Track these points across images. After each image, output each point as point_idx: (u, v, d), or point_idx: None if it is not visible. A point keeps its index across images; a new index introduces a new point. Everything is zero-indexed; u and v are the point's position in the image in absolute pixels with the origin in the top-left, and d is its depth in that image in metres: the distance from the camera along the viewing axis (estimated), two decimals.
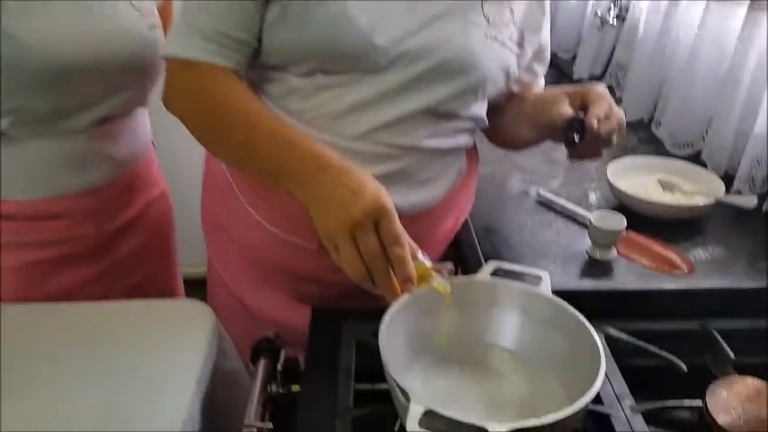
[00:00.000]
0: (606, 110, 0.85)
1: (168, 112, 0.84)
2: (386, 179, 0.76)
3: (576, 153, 0.90)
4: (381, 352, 0.68)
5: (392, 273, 0.72)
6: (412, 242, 0.73)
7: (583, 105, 0.87)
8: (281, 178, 0.78)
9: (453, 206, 0.99)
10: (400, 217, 0.73)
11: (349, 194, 0.71)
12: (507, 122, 0.99)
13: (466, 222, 1.09)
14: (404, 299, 0.75)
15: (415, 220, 0.78)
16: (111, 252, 1.11)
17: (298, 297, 0.98)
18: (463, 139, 0.94)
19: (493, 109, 0.97)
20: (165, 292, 1.24)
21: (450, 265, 0.76)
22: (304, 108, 0.85)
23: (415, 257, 0.73)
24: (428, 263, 0.75)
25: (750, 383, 0.75)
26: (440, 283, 0.75)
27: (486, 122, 0.95)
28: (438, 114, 0.87)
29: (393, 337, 0.72)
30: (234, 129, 0.81)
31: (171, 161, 1.36)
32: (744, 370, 0.80)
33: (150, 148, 1.19)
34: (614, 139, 0.86)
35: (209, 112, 0.82)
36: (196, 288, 1.18)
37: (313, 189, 0.74)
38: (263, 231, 0.92)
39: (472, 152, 1.02)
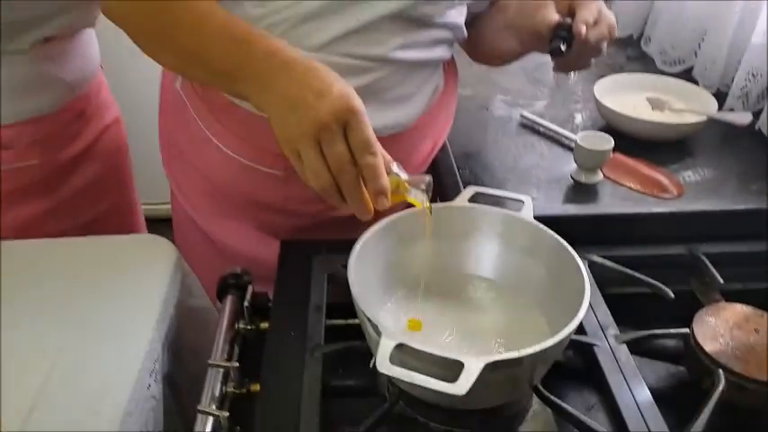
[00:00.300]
0: (595, 14, 0.78)
1: (112, 22, 0.75)
2: None
3: (563, 64, 0.84)
4: (350, 283, 0.63)
5: (363, 186, 0.64)
6: (385, 153, 0.66)
7: (570, 10, 0.80)
8: (236, 81, 0.68)
9: (430, 128, 0.93)
10: None
11: (313, 95, 0.62)
12: (489, 33, 0.92)
13: (444, 146, 1.03)
14: (376, 227, 0.71)
15: (389, 143, 0.72)
16: (64, 185, 1.05)
17: (266, 229, 0.93)
18: (440, 52, 0.86)
19: (473, 19, 0.90)
20: (125, 228, 1.19)
21: (428, 178, 0.69)
22: (259, 14, 0.76)
23: (389, 170, 0.66)
24: (404, 175, 0.68)
25: (738, 310, 0.72)
26: (417, 197, 0.69)
27: (465, 33, 0.88)
28: (411, 21, 0.79)
29: (364, 267, 0.68)
30: (179, 25, 0.71)
31: (122, 90, 1.29)
32: (732, 296, 0.77)
33: (100, 72, 1.12)
34: (604, 47, 0.80)
35: (151, 10, 0.72)
36: (162, 227, 1.12)
37: (272, 90, 0.65)
38: (225, 158, 0.86)
39: (450, 68, 0.95)
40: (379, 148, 0.64)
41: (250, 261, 0.88)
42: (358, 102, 0.63)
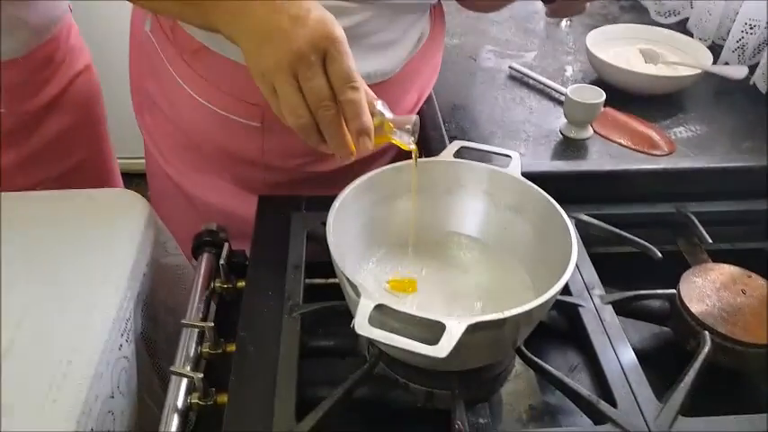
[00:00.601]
0: None
1: None
2: None
3: (556, 9, 0.80)
4: (329, 241, 0.60)
5: (344, 124, 0.59)
6: (368, 89, 0.61)
7: None
8: (207, 10, 0.62)
9: (415, 78, 0.89)
10: None
11: (289, 21, 0.56)
12: None
13: (430, 98, 1.00)
14: (357, 183, 0.68)
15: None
16: (34, 136, 1.00)
17: (243, 184, 0.90)
18: None
19: None
20: (100, 182, 1.15)
21: (414, 118, 0.64)
22: None
23: (372, 108, 0.61)
24: (388, 114, 0.63)
25: (726, 270, 0.71)
26: (402, 139, 0.64)
27: None
28: None
29: (344, 225, 0.65)
30: None
31: (94, 35, 1.23)
32: (720, 257, 0.75)
33: (69, 14, 1.06)
34: None
35: None
36: (141, 182, 1.08)
37: (244, 17, 0.59)
38: (198, 107, 0.82)
39: (437, 15, 0.91)
40: (361, 82, 0.59)
41: (227, 217, 0.85)
42: (338, 29, 0.58)
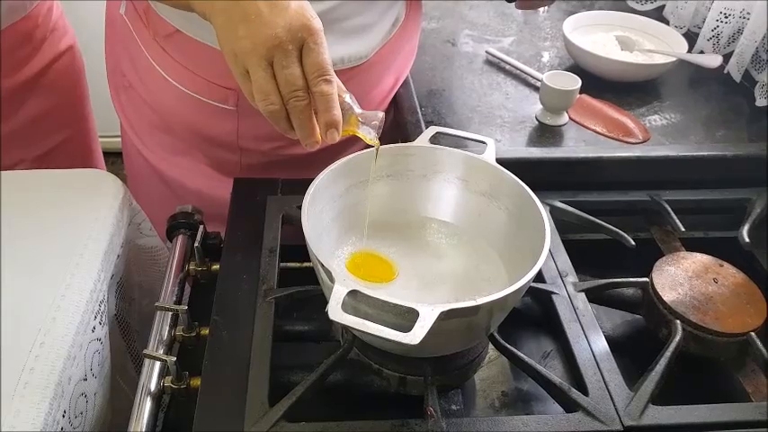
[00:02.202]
0: None
1: None
2: None
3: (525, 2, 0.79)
4: (303, 225, 0.60)
5: (314, 115, 0.59)
6: (340, 82, 0.61)
7: None
8: None
9: (391, 62, 0.88)
10: None
11: (268, 6, 0.56)
12: None
13: (407, 83, 0.99)
14: (332, 167, 0.67)
15: (348, 76, 0.67)
16: (12, 115, 0.98)
17: (218, 167, 0.89)
18: None
19: None
20: (81, 162, 1.13)
21: (381, 115, 0.65)
22: None
23: (342, 101, 0.61)
24: (357, 109, 0.64)
25: (698, 259, 0.72)
26: (368, 134, 0.65)
27: None
28: None
29: (319, 209, 0.65)
30: None
31: (80, 16, 1.21)
32: (692, 245, 0.76)
33: None
34: None
35: None
36: (116, 160, 1.06)
37: (222, 1, 0.58)
38: (172, 91, 0.81)
39: None
40: (334, 76, 0.59)
41: (203, 199, 0.85)
42: (317, 21, 0.58)
